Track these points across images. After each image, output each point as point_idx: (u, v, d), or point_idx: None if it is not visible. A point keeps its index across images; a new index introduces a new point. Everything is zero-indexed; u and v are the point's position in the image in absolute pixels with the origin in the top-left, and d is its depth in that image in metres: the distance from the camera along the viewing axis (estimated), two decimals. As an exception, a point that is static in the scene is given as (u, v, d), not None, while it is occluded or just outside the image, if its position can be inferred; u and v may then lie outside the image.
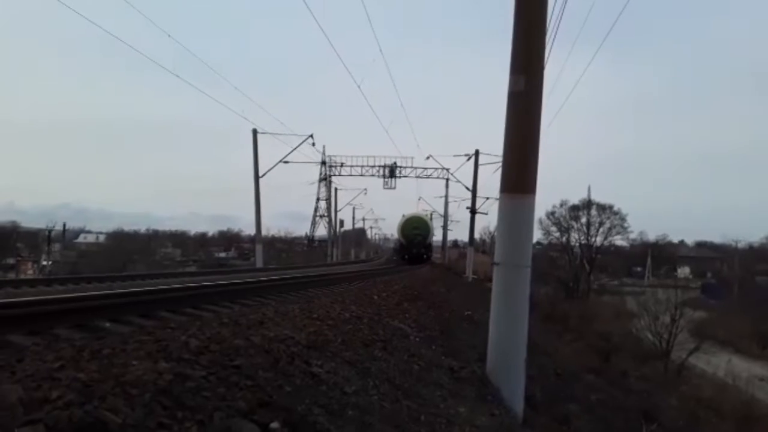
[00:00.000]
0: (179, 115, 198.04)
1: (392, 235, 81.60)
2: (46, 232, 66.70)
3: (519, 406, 7.32)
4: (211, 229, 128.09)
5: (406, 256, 42.39)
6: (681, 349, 34.30)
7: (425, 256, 42.88)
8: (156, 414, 3.13)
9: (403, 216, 48.09)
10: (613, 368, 19.20)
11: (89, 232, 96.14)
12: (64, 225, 69.91)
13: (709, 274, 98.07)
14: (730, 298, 66.38)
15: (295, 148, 34.88)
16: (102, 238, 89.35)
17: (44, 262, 63.75)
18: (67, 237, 75.61)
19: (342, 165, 49.01)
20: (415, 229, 44.33)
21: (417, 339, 8.64)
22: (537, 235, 72.95)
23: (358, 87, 25.62)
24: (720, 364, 31.11)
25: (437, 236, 60.39)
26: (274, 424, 3.52)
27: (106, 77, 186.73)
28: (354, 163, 48.21)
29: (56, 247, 69.12)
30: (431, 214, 56.61)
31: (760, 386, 28.44)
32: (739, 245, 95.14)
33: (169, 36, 19.01)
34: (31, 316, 6.13)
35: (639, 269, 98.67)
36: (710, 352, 35.51)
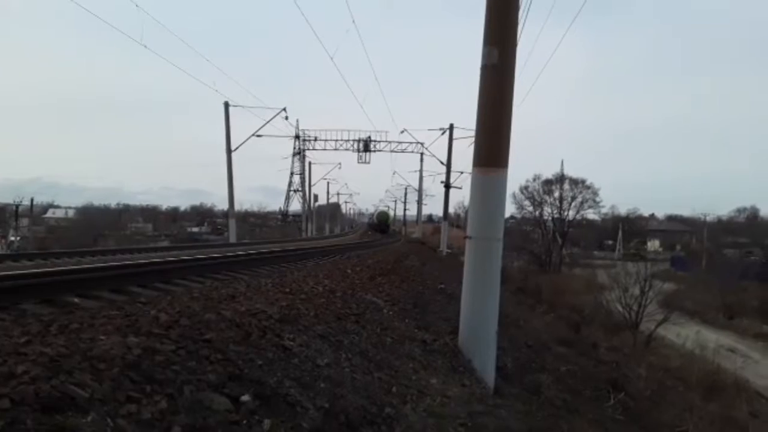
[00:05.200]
0: (151, 88, 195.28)
1: (367, 210, 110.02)
2: (14, 207, 65.39)
3: (490, 376, 7.41)
4: (184, 204, 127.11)
5: (378, 229, 67.53)
6: (650, 320, 34.89)
7: (387, 231, 67.89)
8: (124, 388, 3.11)
9: (377, 210, 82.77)
10: (583, 340, 19.45)
11: (58, 207, 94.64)
12: (32, 200, 68.56)
13: (678, 247, 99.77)
14: (699, 270, 67.57)
15: (267, 122, 34.54)
16: (71, 213, 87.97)
17: (12, 238, 62.63)
18: (35, 212, 74.25)
19: (316, 139, 48.59)
20: (383, 217, 73.65)
21: (390, 312, 8.68)
22: (510, 209, 73.69)
23: (331, 59, 25.39)
24: (688, 334, 31.70)
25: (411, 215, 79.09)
26: (245, 397, 3.53)
27: (76, 50, 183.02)
28: (328, 137, 47.91)
29: (24, 222, 67.85)
30: (405, 189, 72.78)
31: (727, 356, 29.11)
32: (708, 218, 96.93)
33: (137, 6, 18.46)
34: (-3, 292, 6.03)
35: (610, 242, 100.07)
36: (679, 323, 36.15)
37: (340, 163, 64.31)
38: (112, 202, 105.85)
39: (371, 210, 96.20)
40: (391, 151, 47.55)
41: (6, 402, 2.62)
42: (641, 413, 9.66)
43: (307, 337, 5.47)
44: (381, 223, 71.40)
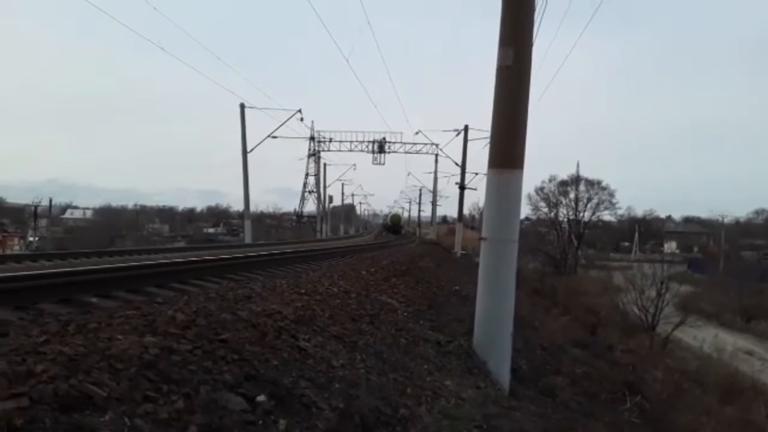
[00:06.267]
0: (167, 89, 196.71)
1: (381, 211, 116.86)
2: (32, 208, 66.07)
3: (505, 378, 7.38)
4: (200, 205, 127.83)
5: (391, 230, 73.33)
6: (667, 322, 34.61)
7: (400, 232, 72.97)
8: (141, 387, 3.13)
9: (390, 213, 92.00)
10: (599, 342, 19.33)
11: (76, 207, 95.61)
12: (51, 200, 69.32)
13: (695, 249, 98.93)
14: (716, 272, 66.88)
15: (283, 123, 34.66)
16: (89, 213, 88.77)
17: (31, 238, 63.27)
18: (53, 212, 74.97)
19: (331, 140, 48.76)
20: (396, 219, 79.37)
21: (405, 313, 8.68)
22: (526, 210, 73.43)
23: (346, 60, 25.55)
24: (705, 337, 31.41)
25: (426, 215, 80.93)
26: (261, 398, 3.54)
27: (92, 51, 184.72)
28: (343, 139, 48.03)
29: (43, 222, 68.53)
30: (420, 190, 76.40)
31: (745, 359, 28.81)
32: (726, 220, 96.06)
33: (154, 9, 18.64)
34: (16, 291, 6.10)
35: (626, 244, 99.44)
36: (696, 325, 35.80)
37: (354, 165, 64.06)
38: (129, 203, 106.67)
39: (386, 211, 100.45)
40: (406, 153, 47.66)
41: (25, 400, 2.64)
42: (658, 416, 9.60)
43: (322, 337, 5.48)
44: (394, 225, 77.28)
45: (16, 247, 60.67)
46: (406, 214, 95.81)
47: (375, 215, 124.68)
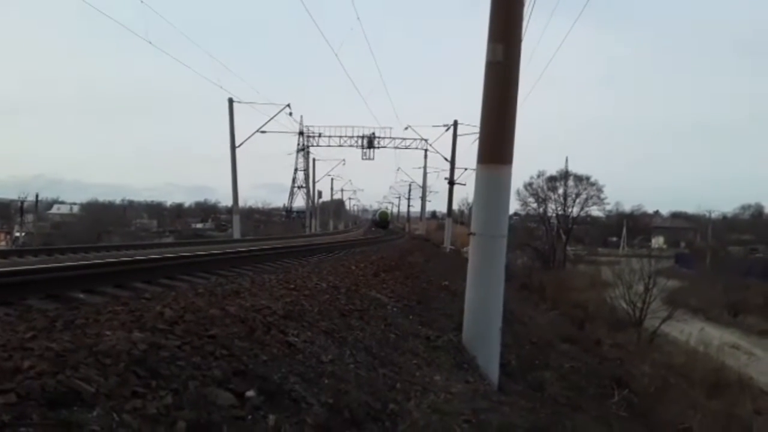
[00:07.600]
0: (155, 84, 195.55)
1: (371, 206, 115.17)
2: (19, 203, 65.49)
3: (494, 373, 7.40)
4: (188, 200, 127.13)
5: (379, 225, 73.18)
6: (654, 317, 34.84)
7: (387, 227, 72.64)
8: (130, 383, 3.12)
9: (379, 209, 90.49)
10: (587, 336, 19.42)
11: (62, 203, 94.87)
12: (37, 196, 68.51)
13: (682, 244, 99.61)
14: (703, 267, 67.38)
15: (272, 118, 34.51)
16: (76, 209, 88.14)
17: (17, 234, 62.76)
18: (40, 208, 74.32)
19: (320, 135, 48.63)
20: (384, 215, 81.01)
21: (394, 309, 8.68)
22: (514, 205, 73.64)
23: (336, 55, 25.48)
24: (692, 332, 31.63)
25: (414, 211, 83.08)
26: (250, 393, 3.53)
27: (80, 46, 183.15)
28: (332, 134, 47.95)
29: (29, 218, 67.93)
30: (409, 185, 78.38)
31: (731, 353, 29.03)
32: (713, 216, 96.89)
33: (141, 2, 18.46)
34: (2, 287, 6.04)
35: (614, 239, 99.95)
36: (683, 320, 36.04)
37: (344, 160, 63.98)
38: (117, 199, 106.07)
39: (375, 206, 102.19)
40: (395, 148, 47.68)
41: (12, 397, 2.63)
42: (645, 410, 9.66)
43: (312, 333, 5.47)
44: (382, 220, 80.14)
45: (2, 242, 60.20)
46: (395, 210, 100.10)
47: (365, 210, 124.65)
